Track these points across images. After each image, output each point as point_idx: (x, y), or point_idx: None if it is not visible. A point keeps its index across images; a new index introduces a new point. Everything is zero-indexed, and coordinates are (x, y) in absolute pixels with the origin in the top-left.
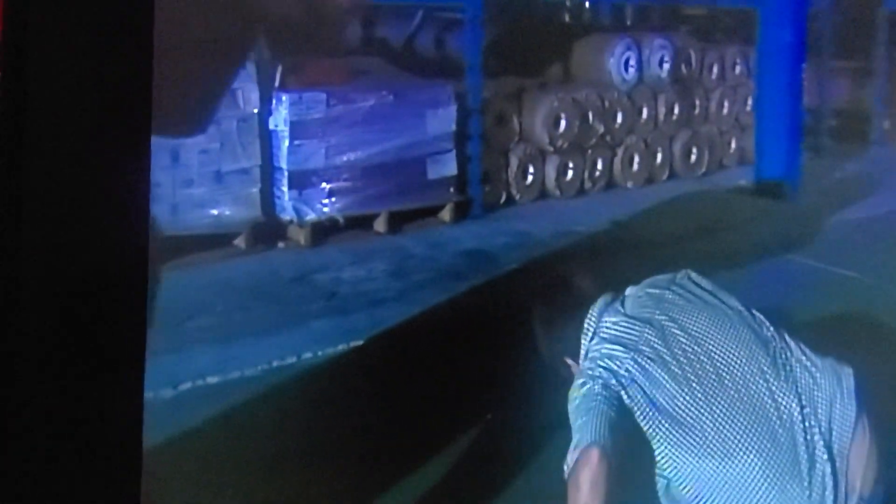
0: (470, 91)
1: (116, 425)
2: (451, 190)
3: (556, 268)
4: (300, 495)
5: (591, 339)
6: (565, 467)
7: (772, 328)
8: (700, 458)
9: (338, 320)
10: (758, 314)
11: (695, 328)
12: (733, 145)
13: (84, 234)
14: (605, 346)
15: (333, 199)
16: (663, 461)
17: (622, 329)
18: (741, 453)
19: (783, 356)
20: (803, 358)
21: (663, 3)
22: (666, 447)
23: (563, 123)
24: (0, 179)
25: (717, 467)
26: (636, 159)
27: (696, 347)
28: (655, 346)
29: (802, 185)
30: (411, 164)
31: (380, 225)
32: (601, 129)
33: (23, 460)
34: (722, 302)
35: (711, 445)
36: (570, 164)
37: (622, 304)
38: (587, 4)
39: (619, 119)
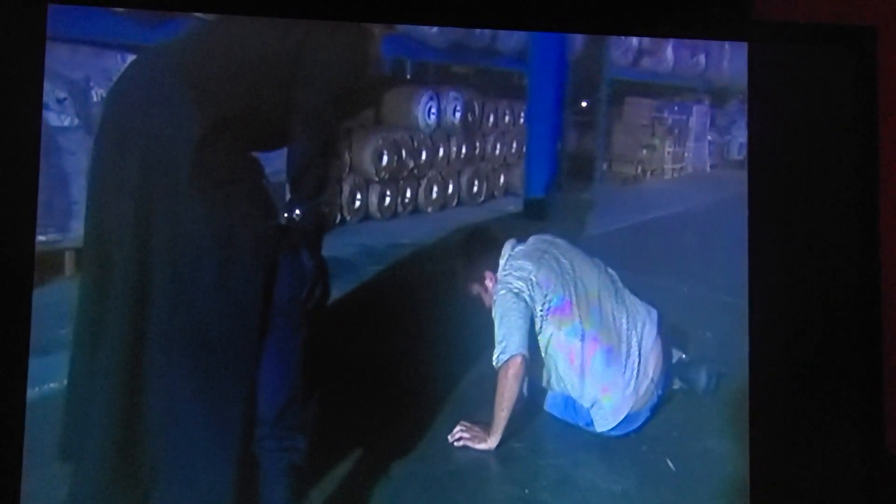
0: None
1: None
2: None
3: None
4: None
5: (507, 260)
6: (494, 359)
7: (617, 278)
8: (565, 333)
9: None
10: (610, 269)
11: (575, 263)
12: (502, 179)
13: None
14: (518, 261)
15: None
16: (543, 335)
17: (529, 252)
18: (590, 340)
19: (621, 293)
20: (632, 297)
21: (454, 63)
22: (547, 326)
23: (385, 158)
24: None
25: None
26: (434, 189)
27: (574, 273)
28: (552, 264)
29: (555, 209)
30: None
31: None
32: (411, 164)
33: None
34: (590, 257)
35: (572, 329)
36: (388, 192)
37: (526, 242)
38: (401, 61)
39: (424, 156)
